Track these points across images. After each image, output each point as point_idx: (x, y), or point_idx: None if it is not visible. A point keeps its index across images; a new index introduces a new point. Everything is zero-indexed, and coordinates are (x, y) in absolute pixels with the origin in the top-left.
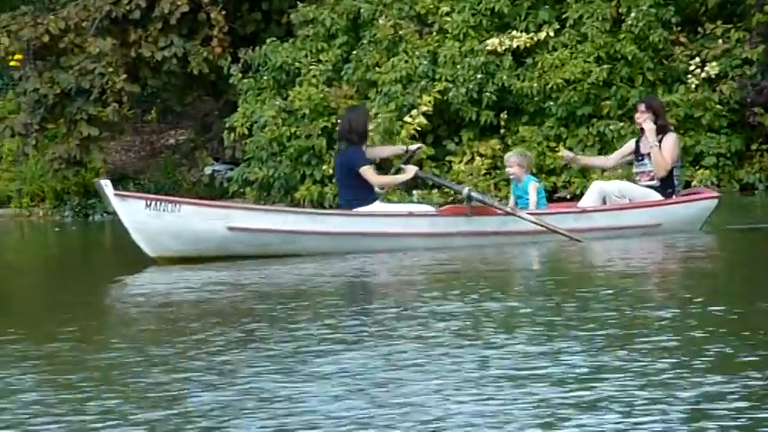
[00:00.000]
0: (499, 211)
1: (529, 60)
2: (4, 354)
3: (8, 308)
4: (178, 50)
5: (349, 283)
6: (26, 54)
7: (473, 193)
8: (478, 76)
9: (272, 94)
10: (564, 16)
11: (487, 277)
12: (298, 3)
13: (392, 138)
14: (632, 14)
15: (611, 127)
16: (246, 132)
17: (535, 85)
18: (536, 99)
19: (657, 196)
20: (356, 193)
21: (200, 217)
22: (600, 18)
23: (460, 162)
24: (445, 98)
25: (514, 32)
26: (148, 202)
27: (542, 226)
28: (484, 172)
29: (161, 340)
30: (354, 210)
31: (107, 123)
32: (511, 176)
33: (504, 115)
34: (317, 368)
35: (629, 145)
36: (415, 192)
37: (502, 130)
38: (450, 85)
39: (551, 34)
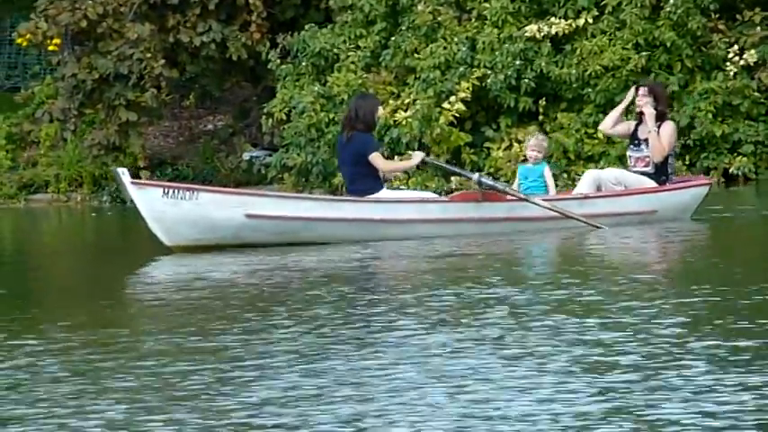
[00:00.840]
0: (510, 198)
1: (567, 47)
2: (49, 342)
3: (43, 294)
4: (216, 36)
5: (405, 268)
6: (64, 39)
7: (483, 179)
8: (517, 62)
9: (310, 79)
10: (603, 3)
11: (547, 263)
12: None
13: (430, 124)
14: (671, 1)
15: None
16: (285, 118)
17: (574, 71)
18: (574, 86)
19: (652, 183)
20: (366, 182)
21: (218, 205)
22: (638, 5)
23: (499, 149)
24: (484, 84)
25: (553, 19)
26: (166, 190)
27: (558, 212)
28: (522, 158)
29: (219, 326)
30: (367, 197)
31: (145, 109)
32: (531, 159)
33: (542, 102)
34: (384, 354)
35: (630, 124)
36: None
37: (540, 117)
38: (489, 72)
39: (590, 21)
